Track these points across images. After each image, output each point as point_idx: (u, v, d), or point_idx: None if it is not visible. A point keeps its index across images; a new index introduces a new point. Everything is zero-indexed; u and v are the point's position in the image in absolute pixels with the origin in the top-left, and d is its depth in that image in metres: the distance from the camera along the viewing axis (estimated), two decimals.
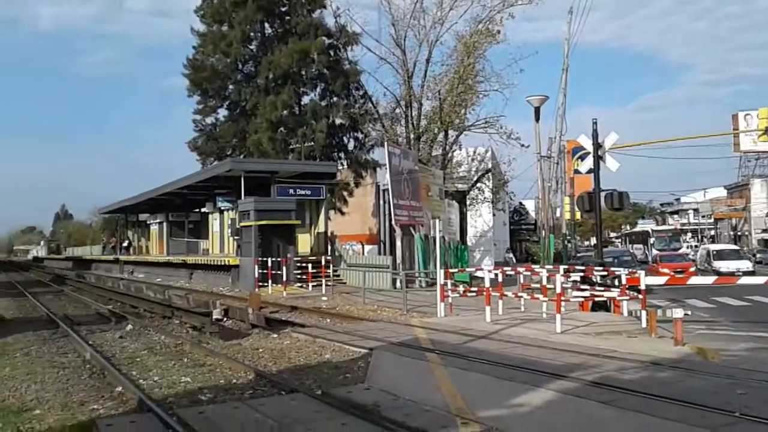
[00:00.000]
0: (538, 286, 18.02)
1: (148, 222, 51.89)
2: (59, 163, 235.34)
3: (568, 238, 27.02)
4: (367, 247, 44.27)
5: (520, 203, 68.94)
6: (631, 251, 33.35)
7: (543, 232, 31.03)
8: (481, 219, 44.63)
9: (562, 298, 15.46)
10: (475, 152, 40.18)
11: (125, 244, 53.44)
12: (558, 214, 32.78)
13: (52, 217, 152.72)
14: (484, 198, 41.96)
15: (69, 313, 19.79)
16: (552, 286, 15.55)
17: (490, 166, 40.87)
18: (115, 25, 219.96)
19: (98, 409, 7.76)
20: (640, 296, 12.99)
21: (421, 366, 9.10)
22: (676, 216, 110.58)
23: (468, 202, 41.41)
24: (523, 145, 34.33)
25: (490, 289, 14.76)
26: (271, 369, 9.80)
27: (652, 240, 47.90)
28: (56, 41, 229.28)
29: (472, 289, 16.92)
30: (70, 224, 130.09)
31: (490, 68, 34.04)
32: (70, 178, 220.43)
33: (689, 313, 11.80)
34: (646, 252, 48.11)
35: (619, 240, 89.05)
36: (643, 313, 12.59)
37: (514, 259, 42.01)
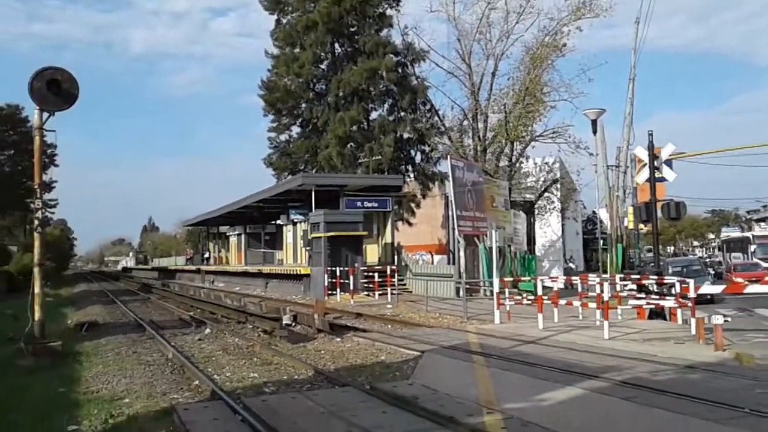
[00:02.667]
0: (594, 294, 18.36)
1: (227, 234, 54.55)
2: (147, 178, 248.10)
3: (631, 247, 26.82)
4: (437, 257, 44.91)
5: (594, 212, 67.84)
6: (701, 260, 32.59)
7: (611, 241, 30.87)
8: (550, 229, 44.54)
9: (619, 306, 15.96)
10: (542, 162, 40.36)
11: (206, 255, 56.22)
12: (625, 224, 32.50)
13: (140, 230, 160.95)
14: (553, 208, 42.00)
15: (154, 319, 21.57)
16: (624, 294, 15.99)
17: (558, 176, 40.89)
18: (201, 46, 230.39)
19: (178, 398, 8.95)
20: (690, 305, 13.18)
21: (465, 366, 9.84)
22: (762, 223, 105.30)
23: (536, 212, 41.55)
24: (591, 154, 34.28)
25: (544, 297, 15.29)
26: (329, 367, 10.79)
27: (753, 247, 44.34)
28: (146, 63, 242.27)
29: (529, 297, 17.38)
30: (157, 236, 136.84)
31: (558, 78, 34.20)
32: (157, 191, 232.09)
33: (729, 319, 11.92)
34: (727, 260, 46.18)
35: (707, 248, 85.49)
36: (693, 320, 12.82)
37: (574, 268, 41.70)
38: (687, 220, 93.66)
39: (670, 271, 26.39)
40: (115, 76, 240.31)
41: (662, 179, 17.13)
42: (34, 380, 11.06)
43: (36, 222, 14.44)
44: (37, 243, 14.08)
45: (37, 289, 13.53)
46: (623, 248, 29.26)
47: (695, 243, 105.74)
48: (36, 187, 14.49)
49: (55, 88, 13.74)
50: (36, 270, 13.69)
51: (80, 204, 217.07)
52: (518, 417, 6.65)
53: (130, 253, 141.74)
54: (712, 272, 34.41)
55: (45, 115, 13.89)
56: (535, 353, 11.02)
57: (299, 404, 7.74)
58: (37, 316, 13.44)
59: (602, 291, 13.40)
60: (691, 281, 13.39)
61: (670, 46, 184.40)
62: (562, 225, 47.92)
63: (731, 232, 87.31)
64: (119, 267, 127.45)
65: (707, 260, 49.60)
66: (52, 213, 66.92)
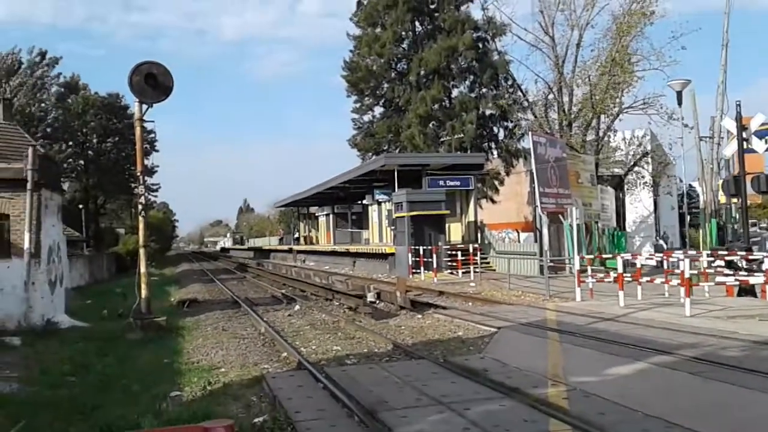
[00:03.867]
0: (694, 272, 17.93)
1: (316, 214, 56.25)
2: (242, 160, 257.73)
3: (721, 221, 25.64)
4: (523, 235, 44.53)
5: (690, 186, 64.87)
6: None
7: (703, 216, 29.75)
8: (641, 204, 43.12)
9: (707, 282, 15.63)
10: (632, 136, 39.05)
11: (296, 236, 58.23)
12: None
13: (236, 211, 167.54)
14: (644, 183, 40.63)
15: (249, 296, 22.92)
16: (711, 271, 15.64)
17: (648, 149, 39.46)
18: (289, 29, 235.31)
19: (268, 368, 9.76)
20: None
21: (538, 342, 10.12)
22: None
23: (626, 187, 40.34)
24: (686, 126, 32.89)
25: (626, 275, 15.19)
26: (407, 342, 11.35)
27: None
28: (238, 48, 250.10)
29: (611, 275, 17.23)
30: (252, 217, 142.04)
31: (649, 46, 32.79)
32: (252, 173, 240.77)
33: None
34: None
35: None
36: None
37: (665, 246, 40.14)
38: None
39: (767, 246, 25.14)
40: (209, 62, 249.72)
41: (751, 150, 16.49)
42: (142, 351, 12.27)
43: (140, 207, 15.76)
44: (141, 226, 15.40)
45: (143, 269, 14.82)
46: (718, 223, 28.11)
47: None
48: (139, 174, 15.79)
49: (152, 81, 14.88)
50: (141, 251, 14.98)
51: (181, 187, 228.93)
52: (582, 389, 6.93)
53: (228, 234, 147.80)
54: None
55: (144, 106, 15.09)
56: (610, 330, 11.13)
57: (376, 374, 8.32)
58: (143, 293, 14.74)
59: (683, 268, 13.20)
60: None
61: None
62: (655, 200, 46.16)
63: None
64: (218, 247, 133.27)
65: None
66: (155, 196, 71.05)
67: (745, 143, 16.87)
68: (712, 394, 6.57)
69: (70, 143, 53.03)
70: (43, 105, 48.63)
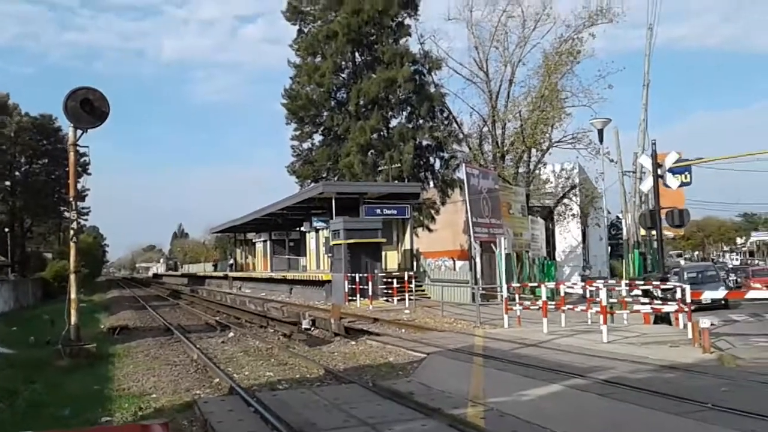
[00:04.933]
0: (614, 300, 18.90)
1: (253, 240, 55.85)
2: (178, 185, 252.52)
3: (642, 252, 27.10)
4: (459, 263, 45.40)
5: (618, 218, 67.77)
6: (715, 266, 32.67)
7: (627, 247, 31.26)
8: (570, 234, 44.89)
9: (625, 311, 16.56)
10: (561, 168, 40.80)
11: (231, 262, 57.62)
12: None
13: (170, 236, 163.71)
14: (572, 214, 42.39)
15: (182, 323, 22.69)
16: (629, 300, 16.57)
17: (577, 181, 41.27)
18: (230, 53, 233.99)
19: (199, 394, 9.89)
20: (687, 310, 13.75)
21: (463, 366, 10.60)
22: None
23: (555, 218, 41.98)
24: (612, 161, 34.51)
25: (551, 303, 15.96)
26: (339, 367, 11.65)
27: None
28: (176, 70, 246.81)
29: (536, 303, 18.00)
30: (186, 242, 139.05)
31: (578, 83, 34.45)
32: (187, 198, 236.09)
33: (715, 323, 12.49)
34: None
35: (737, 252, 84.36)
36: (689, 324, 13.38)
37: (589, 275, 42.02)
38: (714, 225, 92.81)
39: (686, 276, 26.69)
40: (146, 84, 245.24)
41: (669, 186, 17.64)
42: (71, 379, 12.11)
43: (72, 232, 15.60)
44: (72, 252, 15.20)
45: (72, 295, 14.62)
46: (641, 254, 29.59)
47: (725, 248, 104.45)
48: (71, 199, 15.66)
49: (88, 107, 14.89)
50: (72, 277, 14.79)
51: (112, 211, 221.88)
52: (498, 409, 7.41)
53: (161, 260, 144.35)
54: (733, 277, 34.41)
55: (79, 131, 15.05)
56: (532, 355, 11.73)
57: (307, 398, 8.59)
58: (73, 320, 14.53)
59: (601, 297, 14.03)
60: (687, 287, 13.95)
61: (704, 45, 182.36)
62: (583, 231, 48.18)
63: (762, 236, 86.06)
64: (150, 273, 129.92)
65: (731, 266, 49.29)
66: (85, 220, 69.01)
67: (660, 179, 18.07)
68: (616, 414, 7.16)
69: None
70: None
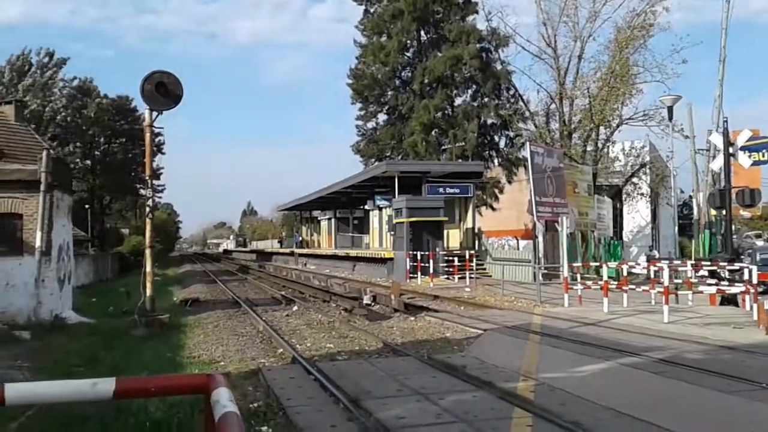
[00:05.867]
0: (679, 281, 18.55)
1: (319, 218, 56.97)
2: (248, 163, 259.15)
3: (713, 232, 26.26)
4: (522, 242, 45.09)
5: (690, 197, 65.39)
6: None
7: (697, 227, 30.39)
8: (638, 214, 43.71)
9: (690, 291, 16.26)
10: (631, 147, 39.68)
11: (299, 239, 59.00)
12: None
13: (239, 213, 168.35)
14: (642, 193, 41.23)
15: (249, 297, 23.60)
16: (695, 280, 16.27)
17: (647, 159, 40.07)
18: (300, 34, 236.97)
19: (264, 363, 10.42)
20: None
21: (518, 343, 10.76)
22: None
23: (624, 198, 40.96)
24: (686, 137, 33.29)
25: (612, 283, 15.82)
26: (397, 341, 12.01)
27: None
28: (248, 52, 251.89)
29: (599, 282, 17.83)
30: (255, 220, 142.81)
31: (651, 58, 33.27)
32: (257, 176, 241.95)
33: None
34: None
35: None
36: (754, 306, 13.06)
37: (656, 255, 40.85)
38: None
39: (758, 258, 25.68)
40: (218, 65, 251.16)
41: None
42: (147, 346, 12.91)
43: (147, 209, 16.44)
44: (148, 227, 16.06)
45: (148, 269, 15.49)
46: (712, 234, 28.67)
47: None
48: (147, 177, 16.47)
49: (163, 90, 15.58)
50: (147, 251, 15.65)
51: (186, 188, 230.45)
52: (549, 384, 7.57)
53: (231, 236, 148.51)
54: None
55: (154, 113, 15.81)
56: (589, 333, 11.75)
57: (363, 368, 8.98)
58: (148, 292, 15.40)
59: (663, 277, 13.83)
60: (754, 268, 13.58)
61: None
62: (653, 210, 46.73)
63: None
64: (220, 249, 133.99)
65: None
66: (160, 198, 71.65)
67: (732, 158, 17.52)
68: (667, 391, 7.20)
69: (78, 144, 53.85)
70: (53, 106, 49.42)
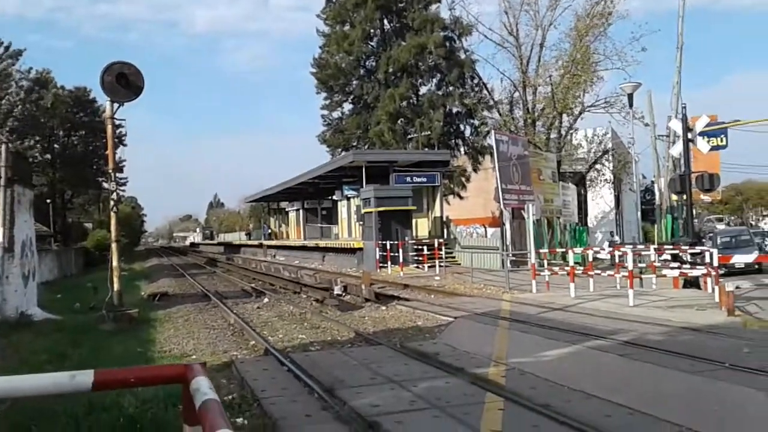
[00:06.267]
0: (643, 265, 19.01)
1: (286, 209, 56.70)
2: (213, 155, 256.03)
3: (675, 217, 26.98)
4: (490, 230, 45.53)
5: (652, 182, 66.81)
6: (750, 231, 32.08)
7: (659, 212, 31.11)
8: (603, 200, 44.54)
9: (654, 275, 16.67)
10: (593, 134, 40.35)
11: (268, 231, 58.64)
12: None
13: (206, 206, 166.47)
14: (605, 179, 42.00)
15: (219, 290, 23.41)
16: (658, 265, 16.67)
17: (609, 146, 40.80)
18: (260, 22, 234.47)
19: (236, 355, 10.40)
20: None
21: (488, 329, 10.93)
22: None
23: (588, 184, 41.65)
24: (646, 125, 33.93)
25: (578, 268, 16.13)
26: (368, 330, 12.10)
27: None
28: (208, 41, 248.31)
29: (566, 268, 18.18)
30: (222, 212, 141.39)
31: (611, 46, 33.77)
32: (222, 168, 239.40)
33: (739, 287, 12.55)
34: None
35: None
36: (716, 288, 13.47)
37: (618, 241, 41.79)
38: (753, 189, 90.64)
39: (719, 241, 26.48)
40: (179, 54, 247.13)
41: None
42: (115, 342, 12.75)
43: (111, 203, 16.21)
44: (113, 221, 15.84)
45: (114, 263, 15.28)
46: (674, 219, 29.39)
47: (765, 212, 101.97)
48: (110, 171, 16.22)
49: (124, 81, 15.32)
50: (114, 246, 15.44)
51: (150, 181, 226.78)
52: (519, 368, 7.74)
53: (197, 229, 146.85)
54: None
55: (115, 105, 15.54)
56: (556, 318, 11.99)
57: (336, 358, 9.05)
58: (115, 287, 15.21)
59: (627, 262, 14.16)
60: (715, 251, 13.99)
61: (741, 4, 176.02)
62: (617, 196, 47.65)
63: None
64: (187, 242, 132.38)
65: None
66: (123, 191, 70.43)
67: (691, 143, 17.96)
68: (632, 372, 7.41)
69: (37, 137, 52.51)
70: (9, 99, 48.08)
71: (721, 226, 65.33)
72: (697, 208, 50.11)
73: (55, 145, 57.21)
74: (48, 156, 55.40)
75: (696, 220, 42.38)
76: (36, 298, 17.36)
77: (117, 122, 16.16)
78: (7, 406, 7.12)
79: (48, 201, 51.15)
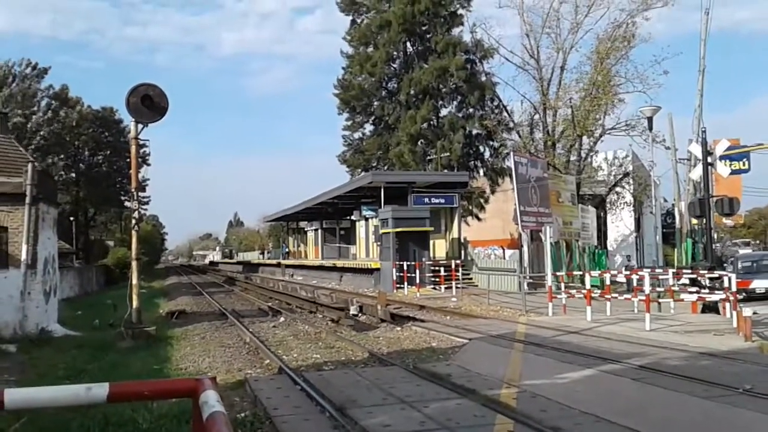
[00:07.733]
0: (661, 289, 18.81)
1: (305, 229, 56.96)
2: (234, 174, 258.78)
3: (696, 240, 26.69)
4: (509, 252, 45.36)
5: (673, 205, 66.12)
6: None
7: (679, 236, 30.79)
8: (622, 223, 44.18)
9: (672, 299, 16.49)
10: (614, 156, 40.17)
11: (285, 250, 58.92)
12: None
13: (226, 225, 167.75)
14: (625, 202, 41.70)
15: (236, 308, 23.59)
16: (676, 289, 16.50)
17: (630, 169, 40.57)
18: (287, 45, 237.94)
19: (251, 373, 10.49)
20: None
21: (502, 351, 10.91)
22: None
23: (607, 207, 41.37)
24: (667, 148, 33.73)
25: (595, 292, 16.04)
26: (383, 351, 12.13)
27: None
28: (235, 63, 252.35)
29: (582, 291, 18.05)
30: (241, 231, 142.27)
31: (633, 69, 33.73)
32: (243, 187, 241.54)
33: (757, 312, 12.40)
34: None
35: None
36: (734, 313, 13.32)
37: (634, 265, 41.38)
38: None
39: (740, 266, 26.08)
40: (206, 76, 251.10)
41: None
42: (133, 358, 12.93)
43: (133, 221, 16.47)
44: (134, 240, 16.09)
45: (134, 281, 15.51)
46: (694, 243, 29.06)
47: None
48: (133, 190, 16.52)
49: (149, 102, 15.65)
50: (134, 264, 15.68)
51: (171, 199, 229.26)
52: (531, 391, 7.72)
53: (217, 248, 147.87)
54: None
55: (140, 126, 15.87)
56: (572, 342, 11.93)
57: (349, 378, 9.09)
58: (134, 304, 15.42)
59: (644, 285, 14.06)
60: (733, 276, 13.85)
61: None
62: (637, 219, 47.24)
63: None
64: (206, 261, 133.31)
65: None
66: (145, 209, 71.49)
67: (711, 167, 17.87)
68: (645, 396, 7.37)
69: (62, 156, 53.59)
70: (34, 117, 49.19)
71: (745, 251, 64.43)
72: (719, 232, 49.51)
73: (81, 164, 58.31)
74: (73, 174, 56.49)
75: (718, 244, 41.90)
76: (57, 314, 17.65)
77: (141, 142, 16.51)
78: (24, 421, 7.28)
79: (71, 218, 52.01)
